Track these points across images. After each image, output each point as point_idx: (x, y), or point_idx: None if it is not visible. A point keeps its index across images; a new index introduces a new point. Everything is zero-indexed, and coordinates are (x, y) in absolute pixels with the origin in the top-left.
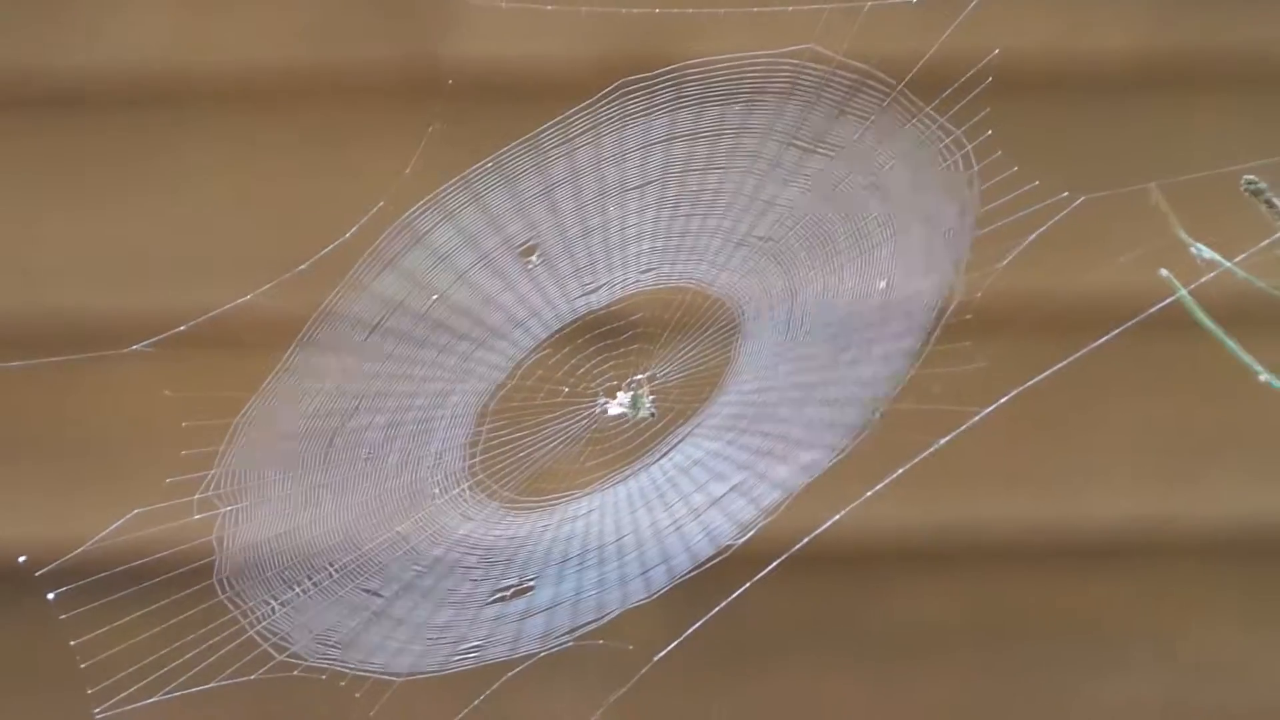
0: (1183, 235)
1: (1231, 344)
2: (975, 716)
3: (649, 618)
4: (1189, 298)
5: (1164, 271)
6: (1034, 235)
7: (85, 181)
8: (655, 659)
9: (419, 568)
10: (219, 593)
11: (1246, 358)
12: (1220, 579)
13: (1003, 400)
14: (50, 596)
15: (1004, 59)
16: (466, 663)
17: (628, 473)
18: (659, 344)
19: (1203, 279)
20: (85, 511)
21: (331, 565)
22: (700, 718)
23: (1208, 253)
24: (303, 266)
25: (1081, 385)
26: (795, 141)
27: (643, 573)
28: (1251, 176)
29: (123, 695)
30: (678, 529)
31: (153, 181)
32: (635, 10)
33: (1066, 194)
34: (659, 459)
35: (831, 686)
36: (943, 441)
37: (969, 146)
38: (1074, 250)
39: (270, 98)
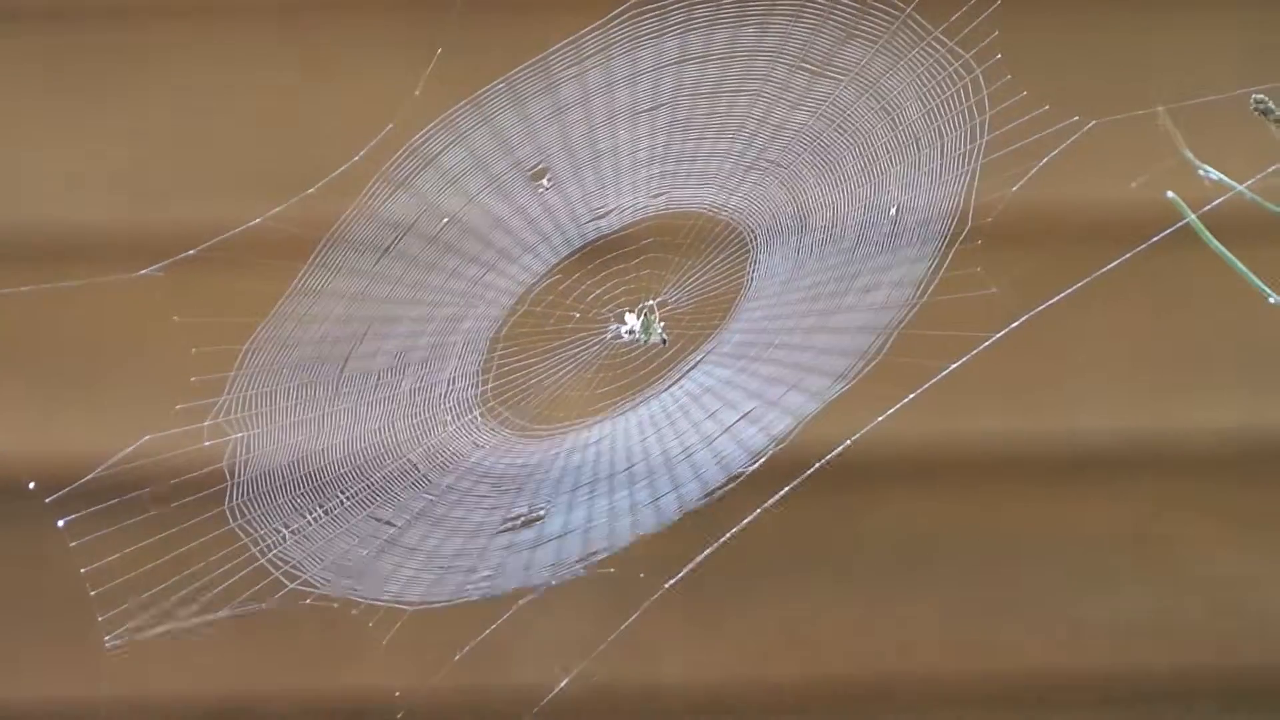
0: (1190, 156)
1: (1239, 265)
2: (967, 632)
3: (652, 542)
4: (1197, 221)
5: (1171, 194)
6: (1044, 160)
7: (82, 96)
8: (668, 585)
9: (430, 496)
10: (230, 520)
11: (1254, 279)
12: (1216, 495)
13: (1013, 326)
14: (60, 523)
15: None
16: (478, 592)
17: (639, 400)
18: (670, 269)
19: (1212, 202)
20: (94, 436)
21: (343, 493)
22: (696, 636)
23: (1214, 174)
24: (311, 190)
25: (1079, 301)
26: (804, 65)
27: (654, 500)
28: (1261, 95)
29: (133, 624)
30: (689, 456)
31: (154, 97)
32: None
33: (1077, 118)
34: (670, 386)
35: (823, 602)
36: (953, 366)
37: (978, 70)
38: (1082, 173)
39: (273, 11)
